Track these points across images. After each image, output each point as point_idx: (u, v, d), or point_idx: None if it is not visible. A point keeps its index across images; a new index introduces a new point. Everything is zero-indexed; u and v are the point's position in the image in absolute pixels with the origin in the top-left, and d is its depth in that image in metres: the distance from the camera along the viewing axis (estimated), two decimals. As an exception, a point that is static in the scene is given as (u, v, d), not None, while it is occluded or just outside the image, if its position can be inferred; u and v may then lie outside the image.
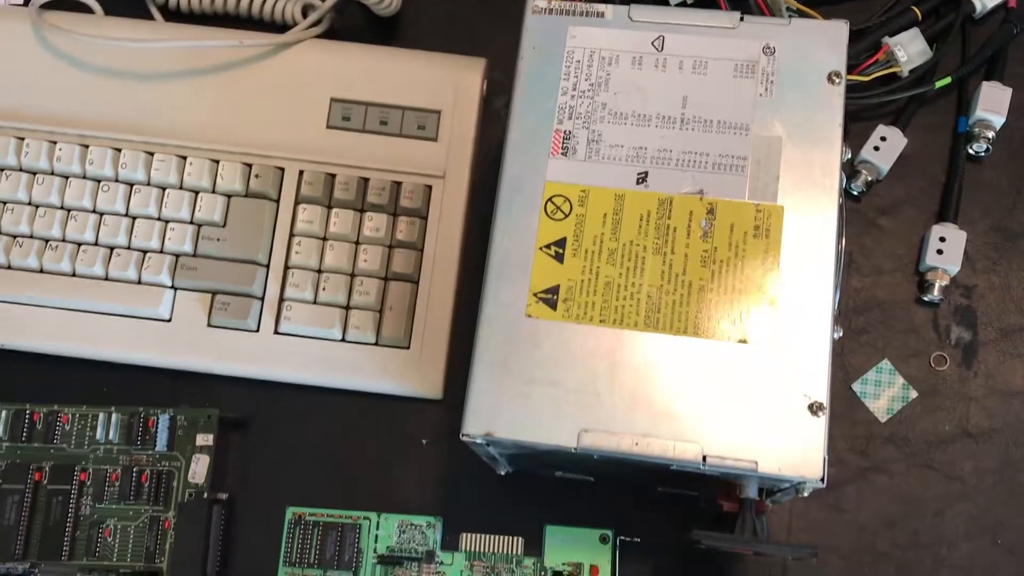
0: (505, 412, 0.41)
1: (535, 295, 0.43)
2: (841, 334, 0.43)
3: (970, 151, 0.57)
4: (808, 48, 0.45)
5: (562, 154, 0.45)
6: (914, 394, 0.55)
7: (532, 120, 0.45)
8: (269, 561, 0.54)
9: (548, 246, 0.43)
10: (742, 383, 0.41)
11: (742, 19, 0.45)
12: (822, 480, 0.40)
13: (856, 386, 0.55)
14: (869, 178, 0.57)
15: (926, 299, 0.56)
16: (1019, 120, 0.58)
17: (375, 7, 0.60)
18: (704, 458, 0.40)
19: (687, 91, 0.45)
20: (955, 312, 0.56)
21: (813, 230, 0.43)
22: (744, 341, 0.42)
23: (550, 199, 0.44)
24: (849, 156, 0.44)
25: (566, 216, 0.44)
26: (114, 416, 0.56)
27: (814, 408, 0.41)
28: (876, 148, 0.57)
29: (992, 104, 0.57)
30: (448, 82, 0.59)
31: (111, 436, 0.56)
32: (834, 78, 0.44)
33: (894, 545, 0.53)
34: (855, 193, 0.58)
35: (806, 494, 0.42)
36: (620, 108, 0.45)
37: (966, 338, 0.56)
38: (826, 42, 0.45)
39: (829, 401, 0.41)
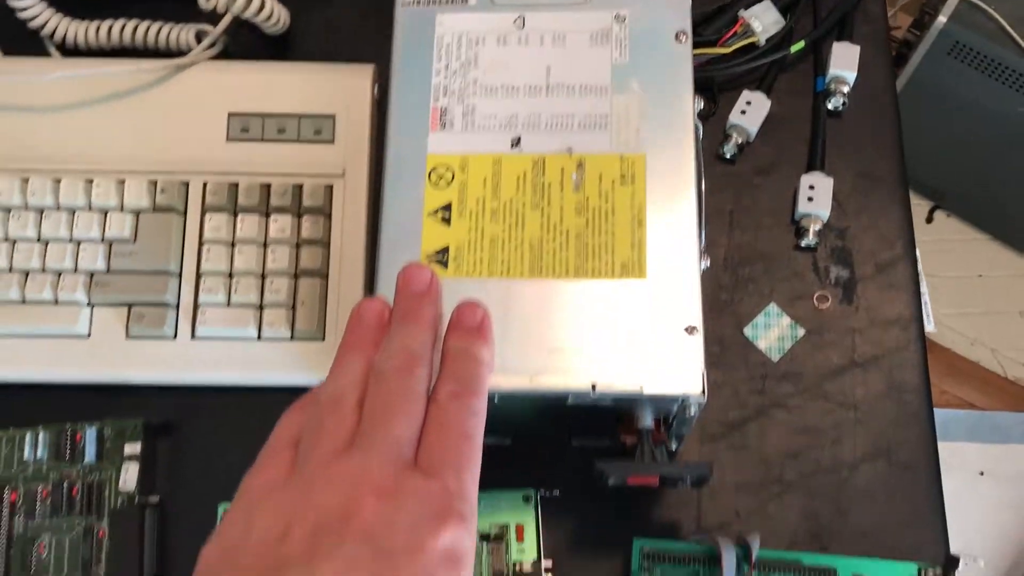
0: (407, 366, 0.44)
1: (428, 257, 0.46)
2: (708, 264, 0.46)
3: (829, 107, 0.62)
4: (655, 13, 0.49)
5: (441, 128, 0.48)
6: (802, 332, 0.59)
7: (410, 101, 0.49)
8: (206, 558, 0.55)
9: (435, 212, 0.46)
10: (623, 316, 0.44)
11: (593, -8, 0.50)
12: (703, 393, 0.43)
13: (747, 331, 0.59)
14: (740, 140, 0.61)
15: (803, 244, 0.60)
16: (869, 74, 0.63)
17: (264, 25, 0.63)
18: (593, 386, 0.43)
19: (550, 62, 0.49)
20: (832, 254, 0.60)
21: (674, 172, 0.46)
22: (621, 278, 0.45)
23: (433, 169, 0.47)
24: (702, 106, 0.48)
25: (449, 184, 0.47)
26: (41, 435, 0.57)
27: (689, 330, 0.44)
28: (743, 112, 0.61)
29: (844, 62, 0.62)
30: (340, 88, 0.62)
31: (39, 455, 0.57)
32: (681, 36, 0.48)
33: (799, 474, 0.56)
34: (728, 156, 0.62)
35: (693, 412, 0.45)
36: (490, 83, 0.48)
37: (844, 276, 0.60)
38: (671, 6, 0.49)
39: (702, 323, 0.44)
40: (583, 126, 0.47)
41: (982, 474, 1.30)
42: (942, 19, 1.09)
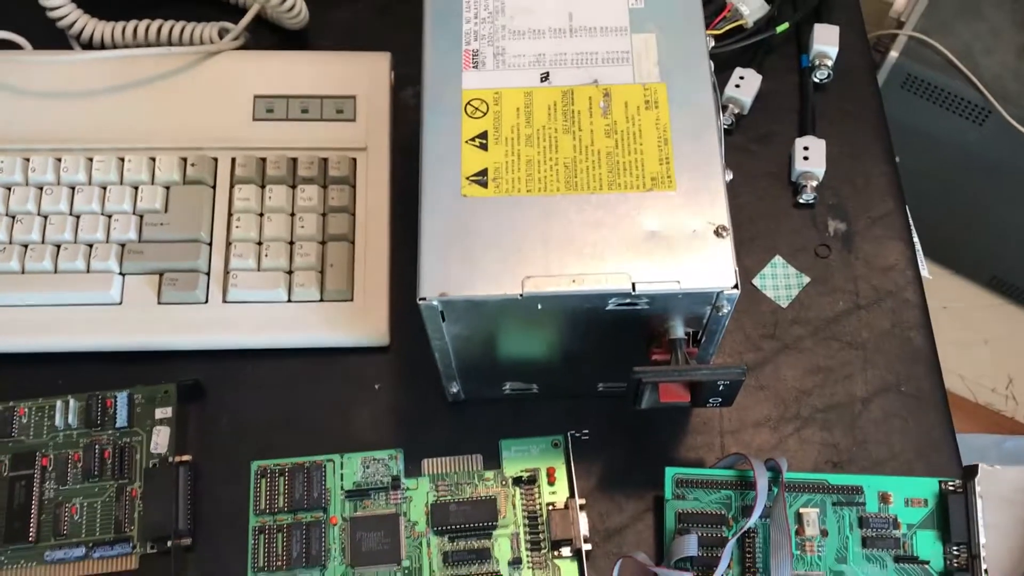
0: (454, 274, 0.46)
1: (467, 178, 0.48)
2: (732, 177, 0.50)
3: (815, 79, 0.67)
4: (666, -34, 0.54)
5: (473, 67, 0.51)
6: (807, 280, 0.62)
7: (443, 46, 0.52)
8: (240, 513, 0.56)
9: (472, 139, 0.50)
10: (656, 223, 0.47)
11: (607, -50, 0.54)
12: (736, 287, 0.46)
13: (756, 281, 0.62)
14: (736, 111, 0.66)
15: (802, 201, 0.64)
16: (846, 53, 0.68)
17: (285, 17, 0.67)
18: (633, 285, 0.46)
19: (571, 8, 0.53)
20: (829, 209, 0.64)
21: (693, 97, 0.50)
22: (652, 189, 0.48)
23: (469, 102, 0.50)
24: (713, 43, 0.52)
25: (484, 114, 0.50)
26: (71, 403, 0.58)
27: (719, 231, 0.47)
28: (737, 86, 0.66)
29: (826, 39, 0.67)
30: (359, 72, 0.65)
31: (70, 421, 0.57)
32: (692, -16, 0.53)
33: (815, 410, 0.59)
34: (726, 126, 0.66)
35: (726, 310, 0.47)
36: (517, 27, 0.52)
37: (842, 228, 0.64)
38: (680, -39, 0.54)
39: (731, 225, 0.47)
40: (606, 61, 0.51)
41: (965, 496, 1.31)
42: (894, 54, 1.17)
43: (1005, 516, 1.42)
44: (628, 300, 0.46)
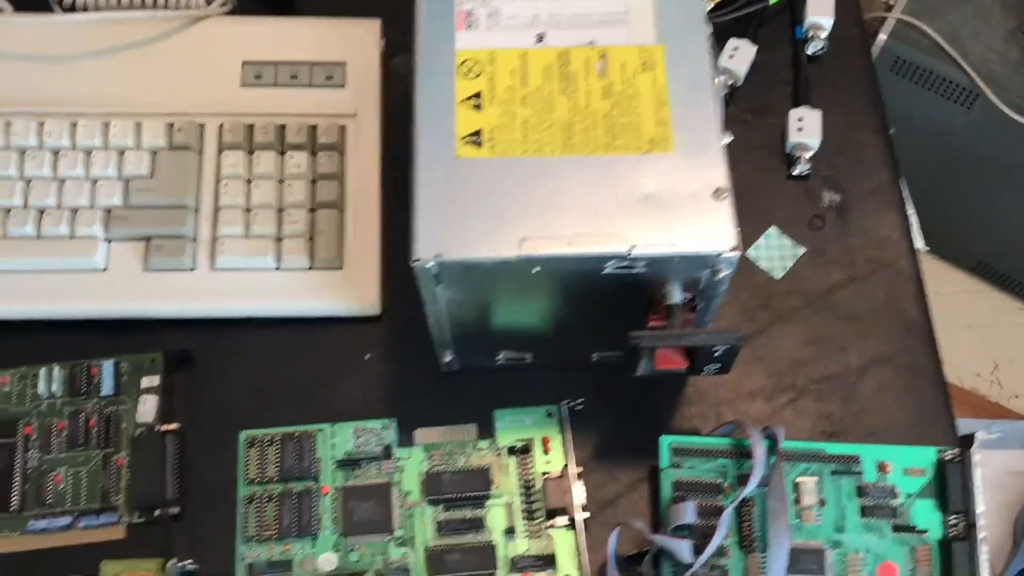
0: (450, 236, 0.45)
1: (462, 139, 0.48)
2: (732, 138, 0.49)
3: (809, 52, 0.67)
4: (662, -71, 0.53)
5: (467, 28, 0.51)
6: (802, 250, 0.61)
7: (436, 6, 0.51)
8: (229, 483, 0.55)
9: (467, 99, 0.49)
10: (654, 185, 0.47)
11: (604, -87, 0.53)
12: (735, 248, 0.45)
13: (751, 252, 0.62)
14: (729, 82, 0.65)
15: (796, 173, 0.63)
16: (840, 25, 0.67)
17: (275, -17, 0.66)
18: (630, 248, 0.45)
19: (567, -31, 0.52)
20: (824, 181, 0.64)
21: (691, 59, 0.49)
22: (649, 151, 0.47)
23: (463, 63, 0.50)
24: (712, 6, 0.52)
25: (478, 75, 0.49)
26: (56, 370, 0.57)
27: (718, 193, 0.46)
28: (731, 56, 0.65)
29: (820, 10, 0.66)
30: (349, 38, 0.64)
31: (54, 390, 0.56)
32: (688, -53, 0.52)
33: (810, 380, 0.58)
34: (720, 96, 0.65)
35: (724, 274, 0.47)
36: (512, -12, 0.52)
37: (836, 200, 0.63)
38: (675, -76, 0.53)
39: (730, 187, 0.47)
40: (602, 23, 0.51)
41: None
42: (882, 37, 1.17)
43: (992, 499, 1.43)
44: (625, 263, 0.46)
